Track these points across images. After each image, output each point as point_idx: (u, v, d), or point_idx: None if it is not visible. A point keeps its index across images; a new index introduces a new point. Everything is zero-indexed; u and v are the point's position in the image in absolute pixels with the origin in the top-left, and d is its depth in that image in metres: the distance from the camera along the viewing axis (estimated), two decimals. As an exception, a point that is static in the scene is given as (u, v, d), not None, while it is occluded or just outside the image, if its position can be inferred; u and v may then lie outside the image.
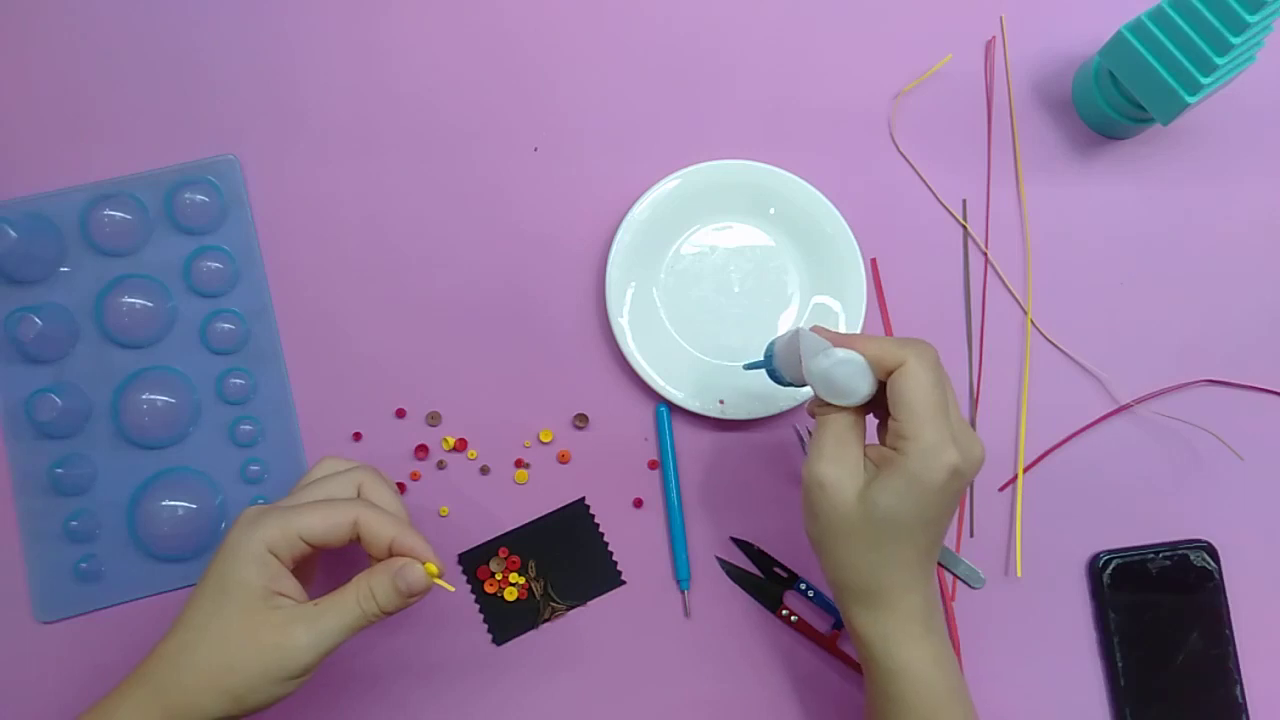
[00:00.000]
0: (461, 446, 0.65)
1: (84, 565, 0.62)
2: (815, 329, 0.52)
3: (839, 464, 0.50)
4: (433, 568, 0.51)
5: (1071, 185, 0.69)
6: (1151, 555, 0.64)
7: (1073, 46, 0.70)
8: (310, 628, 0.49)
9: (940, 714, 0.52)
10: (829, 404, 0.51)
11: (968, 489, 0.66)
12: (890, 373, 0.49)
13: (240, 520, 0.51)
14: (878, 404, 0.51)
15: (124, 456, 0.63)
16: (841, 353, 0.50)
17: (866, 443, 0.51)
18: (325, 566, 0.58)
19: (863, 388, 0.50)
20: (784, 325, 0.66)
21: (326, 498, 0.53)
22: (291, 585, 0.50)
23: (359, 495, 0.54)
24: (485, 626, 0.64)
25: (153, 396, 0.63)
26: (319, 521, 0.50)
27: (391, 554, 0.51)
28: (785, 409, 0.64)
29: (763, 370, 0.56)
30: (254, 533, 0.49)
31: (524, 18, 0.69)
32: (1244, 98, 0.67)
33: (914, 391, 0.48)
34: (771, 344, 0.55)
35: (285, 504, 0.52)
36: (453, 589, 0.53)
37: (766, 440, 0.66)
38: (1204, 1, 0.57)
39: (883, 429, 0.53)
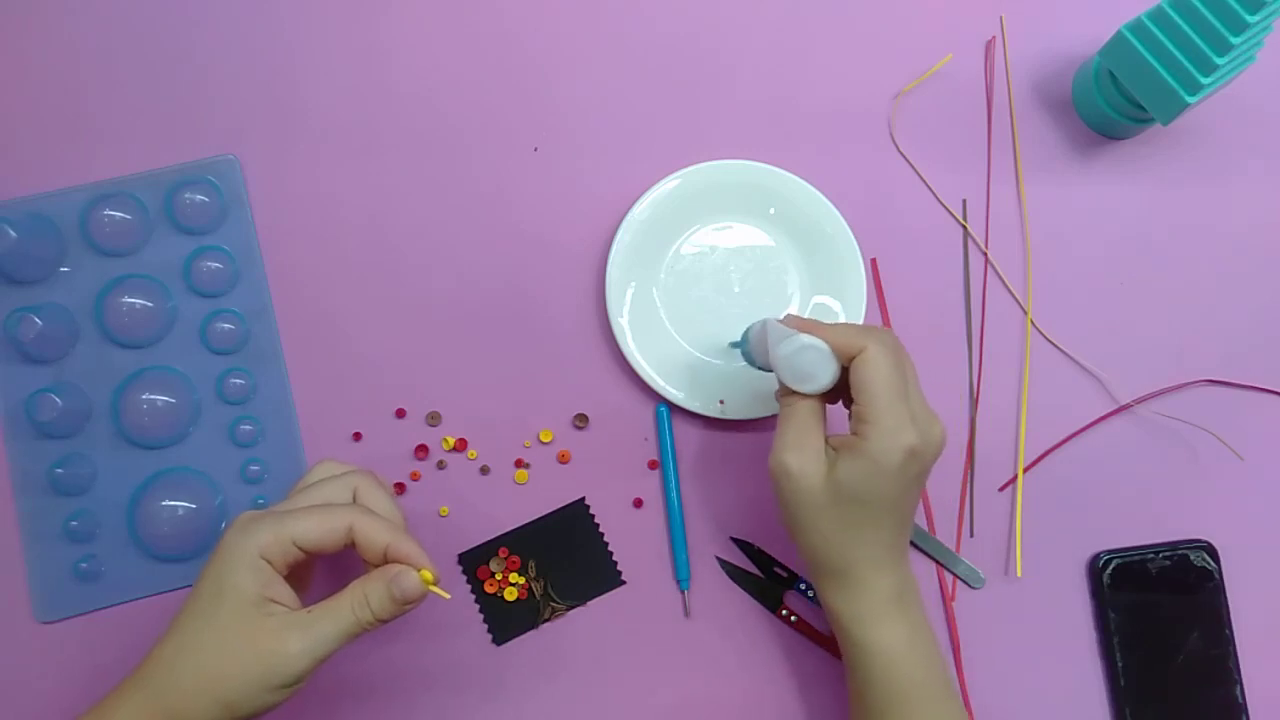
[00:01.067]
0: (461, 446, 0.65)
1: (84, 565, 0.62)
2: (786, 318, 0.54)
3: (802, 451, 0.51)
4: (428, 575, 0.51)
5: (1071, 185, 0.69)
6: (1151, 555, 0.64)
7: (1073, 46, 0.70)
8: (303, 635, 0.49)
9: (914, 693, 0.53)
10: (793, 392, 0.52)
11: (966, 481, 0.66)
12: (852, 359, 0.51)
13: (234, 525, 0.50)
14: (841, 393, 0.52)
15: (124, 456, 0.63)
16: (805, 338, 0.51)
17: (832, 433, 0.53)
18: (323, 571, 0.58)
19: (825, 374, 0.51)
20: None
21: (322, 502, 0.52)
22: (284, 592, 0.50)
23: (355, 500, 0.53)
24: (485, 626, 0.64)
25: (153, 396, 0.63)
26: (314, 527, 0.50)
27: (387, 560, 0.51)
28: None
29: (739, 351, 0.59)
30: (248, 538, 0.49)
31: (524, 18, 0.69)
32: (1244, 98, 0.67)
33: (873, 376, 0.50)
34: (749, 328, 0.58)
35: (280, 509, 0.52)
36: (449, 596, 0.52)
37: (766, 440, 0.66)
38: (1204, 1, 0.57)
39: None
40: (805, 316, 0.55)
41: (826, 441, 0.52)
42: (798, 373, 0.51)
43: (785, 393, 0.53)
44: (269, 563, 0.49)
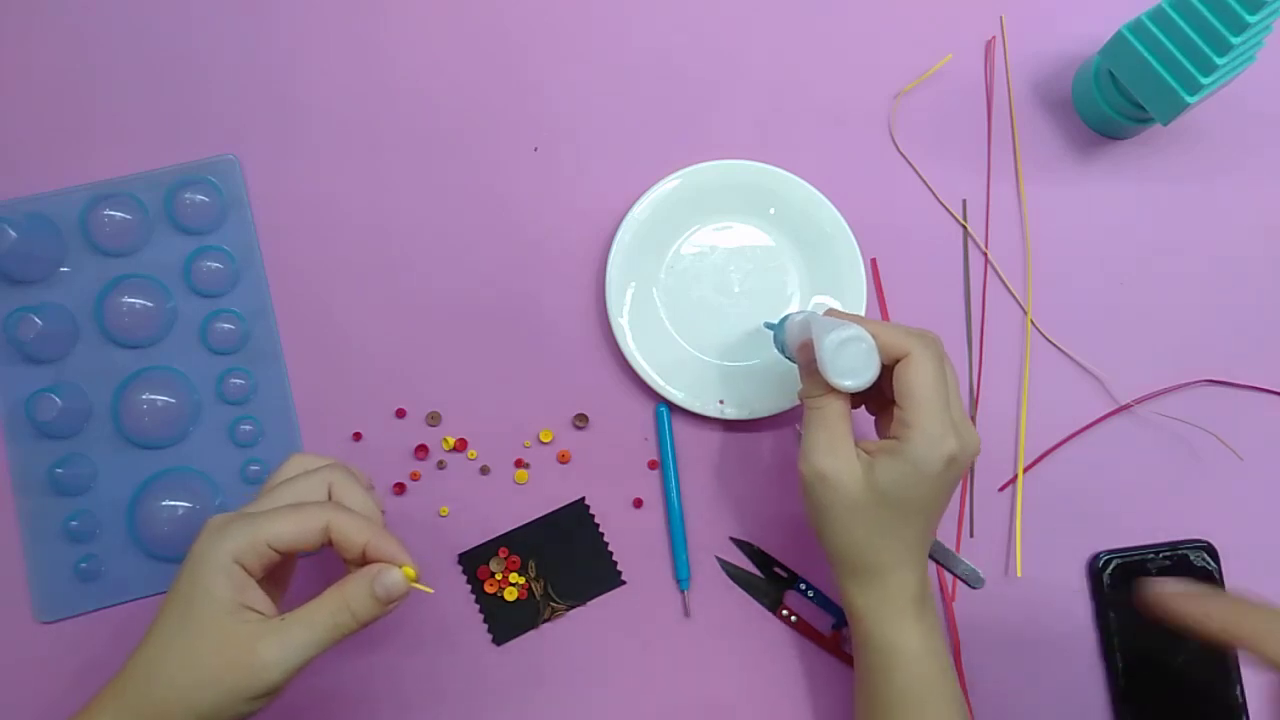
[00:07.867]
0: (461, 446, 0.65)
1: (84, 565, 0.62)
2: (829, 312, 0.53)
3: (835, 456, 0.51)
4: (410, 571, 0.49)
5: (1071, 185, 0.69)
6: (1151, 555, 0.64)
7: (1073, 46, 0.70)
8: (278, 644, 0.47)
9: (928, 691, 0.53)
10: (822, 391, 0.51)
11: (966, 481, 0.66)
12: (896, 361, 0.50)
13: (206, 528, 0.48)
14: (870, 397, 0.52)
15: (124, 456, 0.63)
16: (856, 328, 0.49)
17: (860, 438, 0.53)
18: (304, 571, 0.58)
19: (868, 371, 0.49)
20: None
21: (296, 501, 0.50)
22: (259, 598, 0.48)
23: (330, 497, 0.52)
24: (485, 626, 0.64)
25: (153, 396, 0.63)
26: (289, 528, 0.48)
27: (366, 558, 0.49)
28: (785, 408, 0.64)
29: (772, 333, 0.60)
30: (221, 543, 0.47)
31: (524, 18, 0.69)
32: (1244, 98, 0.67)
33: (918, 381, 0.49)
34: (787, 316, 0.58)
35: (253, 509, 0.49)
36: (431, 590, 0.51)
37: (766, 440, 0.66)
38: (1204, 1, 0.57)
39: (884, 419, 0.54)
40: (851, 313, 0.54)
41: (856, 444, 0.52)
42: (841, 366, 0.49)
43: (812, 393, 0.52)
44: (243, 567, 0.47)
